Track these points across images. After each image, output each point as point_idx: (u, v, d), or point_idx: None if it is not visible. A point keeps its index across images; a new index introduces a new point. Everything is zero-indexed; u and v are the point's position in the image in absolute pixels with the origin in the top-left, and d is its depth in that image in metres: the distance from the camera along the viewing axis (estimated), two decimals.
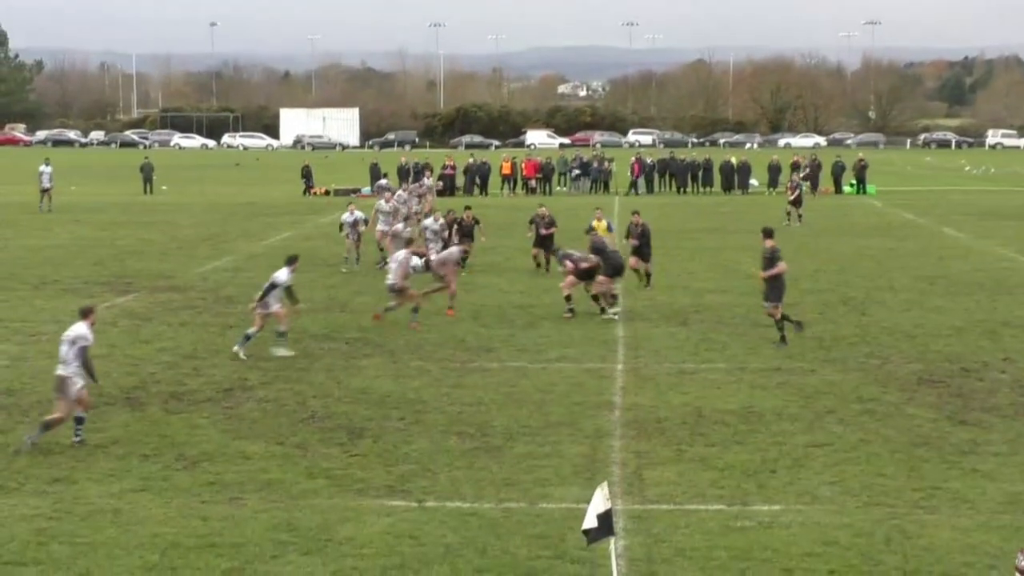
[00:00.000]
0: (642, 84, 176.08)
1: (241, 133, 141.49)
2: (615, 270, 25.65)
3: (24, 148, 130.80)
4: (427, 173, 50.01)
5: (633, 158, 66.82)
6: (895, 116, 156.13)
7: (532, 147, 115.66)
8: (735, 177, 64.12)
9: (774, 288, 22.61)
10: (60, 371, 15.94)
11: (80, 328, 16.07)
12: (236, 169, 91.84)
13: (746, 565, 11.89)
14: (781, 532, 12.76)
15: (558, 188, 65.47)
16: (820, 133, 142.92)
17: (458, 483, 14.41)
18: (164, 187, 65.63)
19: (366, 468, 15.00)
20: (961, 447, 15.86)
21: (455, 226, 32.10)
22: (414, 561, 12.00)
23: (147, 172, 63.95)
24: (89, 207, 53.81)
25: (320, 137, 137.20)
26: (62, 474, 14.79)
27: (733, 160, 65.69)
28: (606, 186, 64.39)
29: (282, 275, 21.54)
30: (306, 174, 63.34)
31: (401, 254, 24.81)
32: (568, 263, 25.65)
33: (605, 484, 10.75)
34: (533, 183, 63.83)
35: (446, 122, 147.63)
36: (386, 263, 32.69)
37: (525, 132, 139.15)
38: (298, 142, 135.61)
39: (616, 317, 25.03)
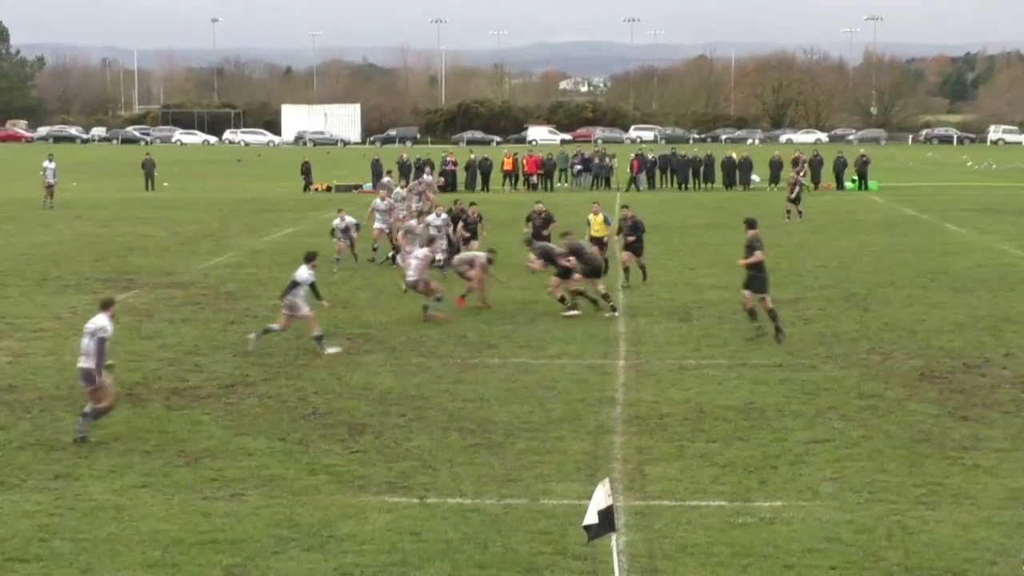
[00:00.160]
0: (644, 80, 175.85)
1: (243, 129, 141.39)
2: (593, 271, 25.39)
3: (26, 144, 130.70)
4: (428, 169, 50.02)
5: (633, 155, 66.79)
6: (897, 112, 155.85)
7: (534, 143, 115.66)
8: (736, 173, 64.07)
9: (756, 279, 22.60)
10: (83, 363, 16.04)
11: (100, 320, 16.17)
12: (237, 165, 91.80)
13: (747, 561, 11.89)
14: (782, 528, 12.76)
15: (559, 184, 65.52)
16: (822, 129, 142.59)
17: (459, 479, 14.42)
18: (165, 183, 65.63)
19: (367, 464, 15.01)
20: (962, 443, 15.85)
21: (460, 222, 31.98)
22: (415, 557, 12.01)
23: (148, 168, 63.94)
24: (91, 203, 53.80)
25: (322, 133, 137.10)
26: (64, 470, 14.82)
27: (735, 156, 65.65)
28: (607, 182, 64.45)
29: (302, 273, 21.27)
30: (305, 171, 63.35)
31: (421, 252, 24.93)
32: (537, 259, 25.64)
33: (606, 480, 10.76)
34: (535, 179, 63.82)
35: (447, 118, 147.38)
36: (388, 259, 32.80)
37: (527, 128, 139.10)
38: (299, 138, 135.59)
39: (574, 315, 24.65)
